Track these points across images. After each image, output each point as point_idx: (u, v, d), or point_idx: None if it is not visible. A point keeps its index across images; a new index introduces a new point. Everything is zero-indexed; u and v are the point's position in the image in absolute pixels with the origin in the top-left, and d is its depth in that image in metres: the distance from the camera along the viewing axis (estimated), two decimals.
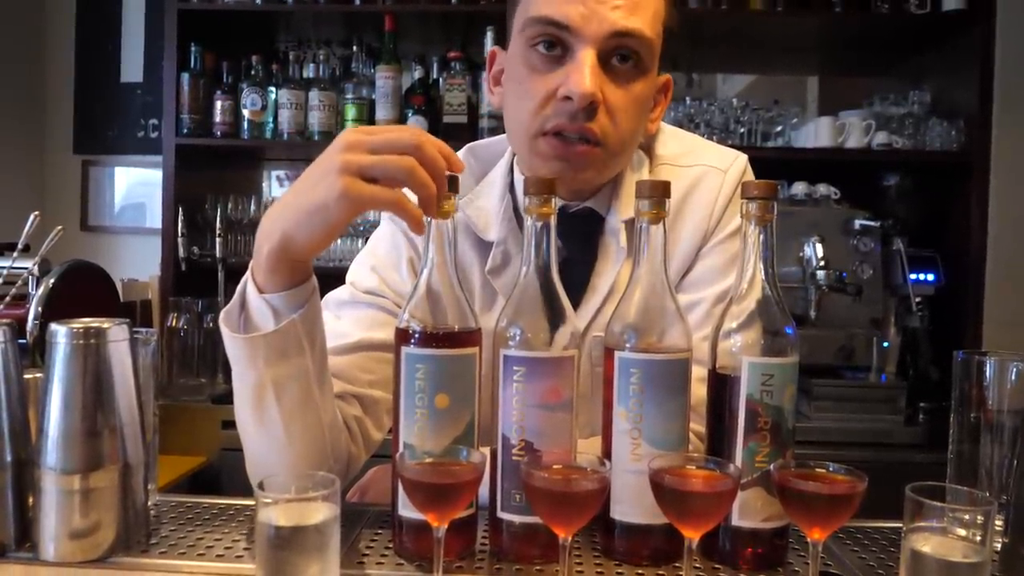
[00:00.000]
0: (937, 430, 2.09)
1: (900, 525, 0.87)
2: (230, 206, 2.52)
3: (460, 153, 1.12)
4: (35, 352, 1.19)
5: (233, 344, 0.82)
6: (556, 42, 0.91)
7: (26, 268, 1.15)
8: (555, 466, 0.70)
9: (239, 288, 0.84)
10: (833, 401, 2.14)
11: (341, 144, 0.76)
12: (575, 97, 0.89)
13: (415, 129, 0.77)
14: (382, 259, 1.05)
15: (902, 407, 2.15)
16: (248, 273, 0.83)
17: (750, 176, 1.03)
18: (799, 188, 2.41)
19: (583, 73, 0.89)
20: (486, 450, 0.75)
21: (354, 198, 0.74)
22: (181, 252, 2.45)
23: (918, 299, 2.27)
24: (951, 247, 2.40)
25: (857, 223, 2.26)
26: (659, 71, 1.01)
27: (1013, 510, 0.74)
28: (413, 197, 0.76)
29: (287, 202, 0.79)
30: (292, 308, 0.81)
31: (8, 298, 1.03)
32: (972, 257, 2.32)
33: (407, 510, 0.75)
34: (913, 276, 2.27)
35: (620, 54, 0.91)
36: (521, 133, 0.96)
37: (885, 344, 2.23)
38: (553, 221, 0.76)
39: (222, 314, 0.83)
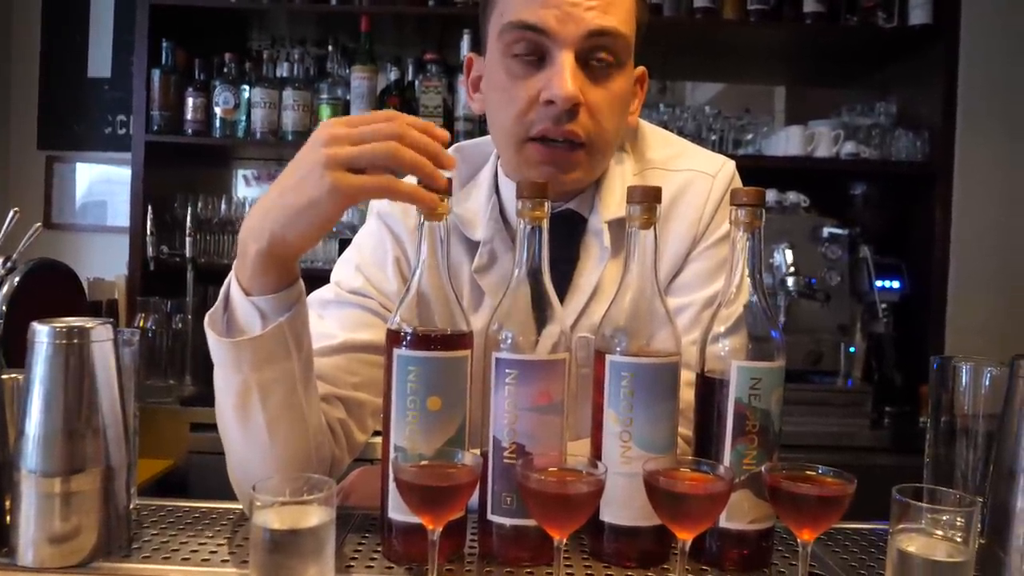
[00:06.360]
0: (901, 433, 2.13)
1: (877, 526, 0.89)
2: (200, 205, 2.48)
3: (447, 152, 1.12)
4: None
5: (218, 348, 0.81)
6: (534, 46, 0.92)
7: None
8: (551, 468, 0.70)
9: (223, 290, 0.83)
10: (801, 405, 2.18)
11: (323, 138, 0.75)
12: (558, 100, 0.90)
13: (392, 113, 0.77)
14: (367, 258, 1.05)
15: (868, 411, 2.20)
16: (232, 275, 0.82)
17: (738, 181, 1.04)
18: (769, 196, 2.43)
19: (564, 76, 0.90)
20: (477, 451, 0.75)
21: (345, 191, 0.74)
22: (150, 251, 2.41)
23: (884, 306, 2.32)
24: (916, 255, 2.45)
25: (825, 231, 2.31)
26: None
27: (989, 512, 0.76)
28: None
29: (273, 201, 0.78)
30: (280, 311, 0.80)
31: None
32: (936, 265, 2.37)
33: (398, 513, 0.75)
34: (879, 283, 2.32)
35: (598, 53, 0.92)
36: (507, 139, 0.97)
37: (852, 349, 2.28)
38: (545, 224, 0.77)
39: (207, 317, 0.82)
